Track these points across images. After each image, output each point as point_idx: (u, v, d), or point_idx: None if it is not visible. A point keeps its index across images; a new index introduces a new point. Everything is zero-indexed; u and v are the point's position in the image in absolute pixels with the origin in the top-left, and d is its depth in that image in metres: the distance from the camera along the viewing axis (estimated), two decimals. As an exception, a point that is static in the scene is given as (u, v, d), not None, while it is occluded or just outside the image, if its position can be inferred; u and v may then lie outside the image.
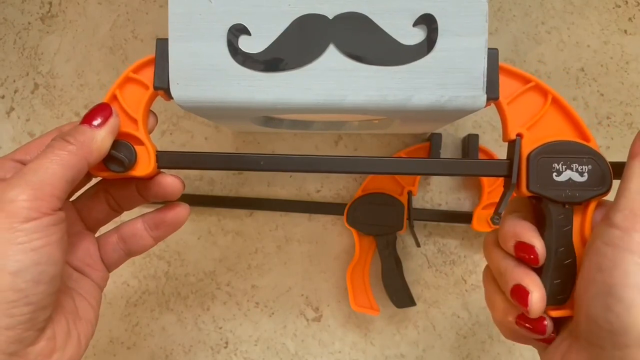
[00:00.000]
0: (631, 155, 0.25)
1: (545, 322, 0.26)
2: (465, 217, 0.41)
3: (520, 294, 0.26)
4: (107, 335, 0.45)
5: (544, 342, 0.27)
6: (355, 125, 0.38)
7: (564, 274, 0.26)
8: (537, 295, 0.25)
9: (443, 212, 0.43)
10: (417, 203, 0.43)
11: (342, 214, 0.41)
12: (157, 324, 0.45)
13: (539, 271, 0.27)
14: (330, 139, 0.44)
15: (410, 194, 0.41)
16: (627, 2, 0.42)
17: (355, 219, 0.41)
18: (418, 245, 0.41)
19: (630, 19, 0.42)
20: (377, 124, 0.37)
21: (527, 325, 0.26)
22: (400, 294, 0.41)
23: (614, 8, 0.42)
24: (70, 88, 0.46)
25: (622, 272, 0.22)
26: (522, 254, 0.26)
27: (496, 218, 0.38)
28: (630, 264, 0.22)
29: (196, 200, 0.44)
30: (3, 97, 0.46)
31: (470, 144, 0.41)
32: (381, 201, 0.41)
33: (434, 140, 0.41)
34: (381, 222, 0.41)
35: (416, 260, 0.44)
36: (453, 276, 0.43)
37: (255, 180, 0.44)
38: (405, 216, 0.40)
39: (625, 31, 0.42)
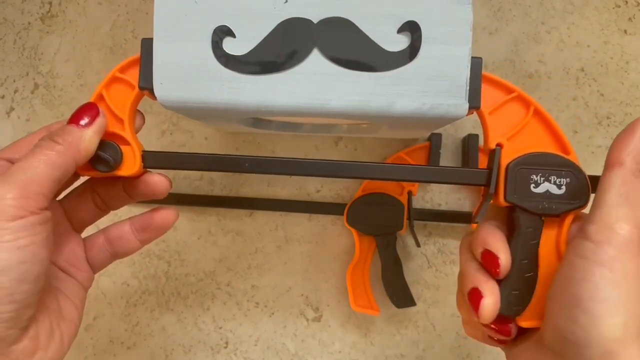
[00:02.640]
0: (608, 166, 0.24)
1: (511, 325, 0.26)
2: (465, 217, 0.41)
3: (474, 297, 0.26)
4: (107, 335, 0.45)
5: (502, 344, 0.28)
6: (345, 128, 0.38)
7: (523, 286, 0.26)
8: (489, 301, 0.25)
9: (443, 212, 0.43)
10: (417, 203, 0.43)
11: (342, 214, 0.41)
12: (157, 324, 0.45)
13: (499, 279, 0.27)
14: (330, 140, 0.44)
15: (410, 194, 0.41)
16: (627, 2, 0.42)
17: (355, 219, 0.41)
18: (418, 245, 0.41)
19: (630, 19, 0.42)
20: (366, 129, 0.37)
21: (492, 326, 0.27)
22: (400, 294, 0.41)
23: (614, 8, 0.42)
24: (70, 88, 0.46)
25: (591, 285, 0.22)
26: (487, 263, 0.26)
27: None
28: (600, 278, 0.22)
29: (196, 200, 0.44)
30: (3, 97, 0.46)
31: (470, 144, 0.41)
32: (381, 201, 0.41)
33: (434, 141, 0.41)
34: (381, 222, 0.41)
35: (416, 260, 0.44)
36: (453, 276, 0.43)
37: (255, 180, 0.45)
38: (405, 216, 0.40)
39: (625, 31, 0.42)
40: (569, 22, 0.42)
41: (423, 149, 0.42)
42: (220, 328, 0.45)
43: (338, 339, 0.44)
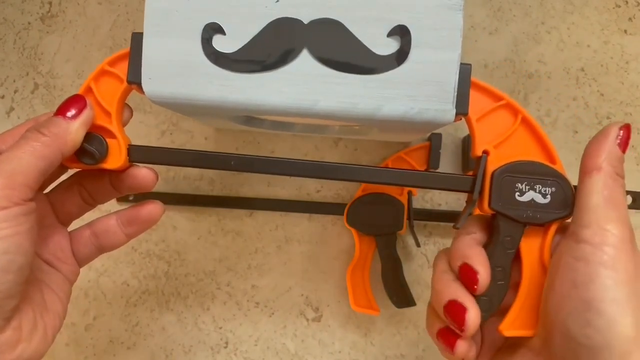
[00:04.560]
0: (586, 171, 0.25)
1: (459, 341, 0.26)
2: (465, 217, 0.41)
3: (455, 309, 0.25)
4: (107, 335, 0.45)
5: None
6: (337, 129, 0.38)
7: (493, 293, 0.26)
8: (474, 314, 0.25)
9: (443, 212, 0.43)
10: (417, 203, 0.43)
11: (342, 214, 0.41)
12: (157, 324, 0.45)
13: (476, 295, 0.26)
14: (330, 140, 0.44)
15: (410, 194, 0.41)
16: (627, 2, 0.42)
17: (355, 219, 0.41)
18: (418, 245, 0.41)
19: (630, 19, 0.42)
20: (358, 130, 0.37)
21: (443, 342, 0.26)
22: (400, 294, 0.41)
23: (614, 8, 0.42)
24: (70, 88, 0.46)
25: (599, 287, 0.22)
26: (464, 277, 0.25)
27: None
28: (606, 278, 0.22)
29: (196, 200, 0.44)
30: (3, 97, 0.46)
31: (470, 144, 0.41)
32: (381, 201, 0.41)
33: (434, 141, 0.41)
34: (381, 222, 0.41)
35: (416, 260, 0.44)
36: (453, 276, 0.43)
37: (255, 180, 0.45)
38: (405, 216, 0.40)
39: (625, 31, 0.42)
40: (569, 22, 0.42)
41: (423, 149, 0.42)
42: (220, 328, 0.45)
43: (338, 339, 0.44)
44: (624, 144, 0.25)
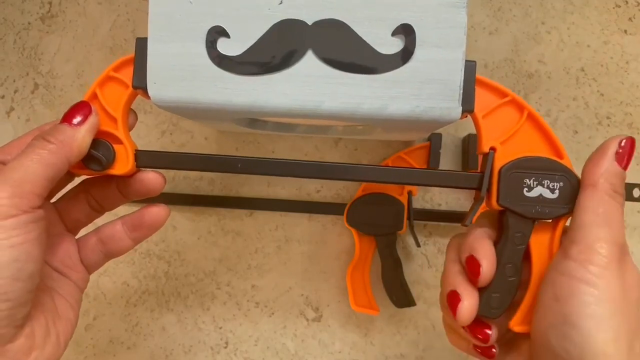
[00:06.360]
0: (583, 187, 0.25)
1: (488, 331, 0.26)
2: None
3: (453, 299, 0.26)
4: (107, 335, 0.45)
5: (485, 356, 0.27)
6: (340, 130, 0.38)
7: (504, 289, 0.26)
8: (466, 304, 0.25)
9: (443, 212, 0.43)
10: (417, 203, 0.43)
11: (342, 214, 0.41)
12: (157, 324, 0.45)
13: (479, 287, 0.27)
14: (330, 140, 0.44)
15: (410, 194, 0.41)
16: (627, 2, 0.42)
17: (355, 219, 0.41)
18: (418, 245, 0.41)
19: (630, 19, 0.42)
20: (361, 130, 0.37)
21: (469, 330, 0.27)
22: (400, 294, 0.41)
23: (614, 8, 0.42)
24: (70, 88, 0.46)
25: (578, 302, 0.23)
26: (469, 269, 0.26)
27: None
28: (586, 295, 0.23)
29: (196, 200, 0.44)
30: (3, 97, 0.46)
31: (470, 144, 0.41)
32: (381, 201, 0.41)
33: (434, 141, 0.41)
34: (381, 222, 0.41)
35: (416, 260, 0.44)
36: (453, 276, 0.43)
37: (255, 180, 0.45)
38: (405, 216, 0.40)
39: (625, 31, 0.42)
40: (569, 22, 0.42)
41: (423, 149, 0.42)
42: (220, 328, 0.45)
43: (338, 339, 0.44)
44: (624, 160, 0.25)
